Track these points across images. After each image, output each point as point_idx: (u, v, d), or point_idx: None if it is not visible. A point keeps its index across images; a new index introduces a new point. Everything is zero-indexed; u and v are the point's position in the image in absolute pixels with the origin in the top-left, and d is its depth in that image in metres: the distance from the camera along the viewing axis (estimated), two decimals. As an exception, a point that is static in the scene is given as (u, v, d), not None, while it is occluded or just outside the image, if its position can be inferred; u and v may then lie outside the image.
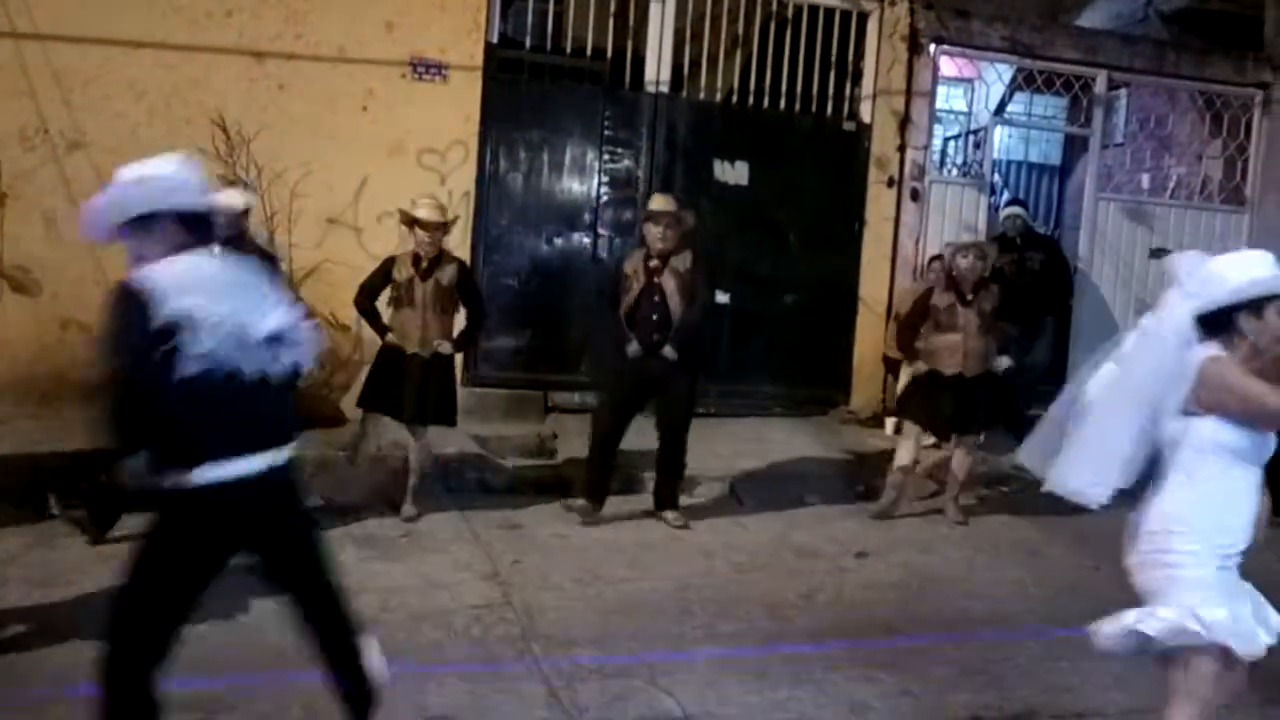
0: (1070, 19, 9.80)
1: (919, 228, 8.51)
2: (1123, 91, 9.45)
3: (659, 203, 5.95)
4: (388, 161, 7.16)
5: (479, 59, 7.37)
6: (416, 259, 5.70)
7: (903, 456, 6.34)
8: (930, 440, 6.65)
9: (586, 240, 7.95)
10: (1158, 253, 9.22)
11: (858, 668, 4.14)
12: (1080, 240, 9.14)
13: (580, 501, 5.94)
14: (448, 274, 5.74)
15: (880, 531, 6.03)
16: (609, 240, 7.95)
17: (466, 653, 4.01)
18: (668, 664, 4.03)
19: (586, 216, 7.93)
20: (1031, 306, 8.37)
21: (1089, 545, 5.42)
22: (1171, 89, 9.54)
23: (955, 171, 9.36)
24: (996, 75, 9.07)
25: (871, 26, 8.31)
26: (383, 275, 5.80)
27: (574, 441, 7.07)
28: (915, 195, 8.46)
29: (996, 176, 10.33)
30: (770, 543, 5.74)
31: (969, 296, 6.13)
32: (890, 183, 8.37)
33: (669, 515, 5.91)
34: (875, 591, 4.95)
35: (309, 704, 3.48)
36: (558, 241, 7.92)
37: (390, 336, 5.74)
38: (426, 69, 7.23)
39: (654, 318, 5.76)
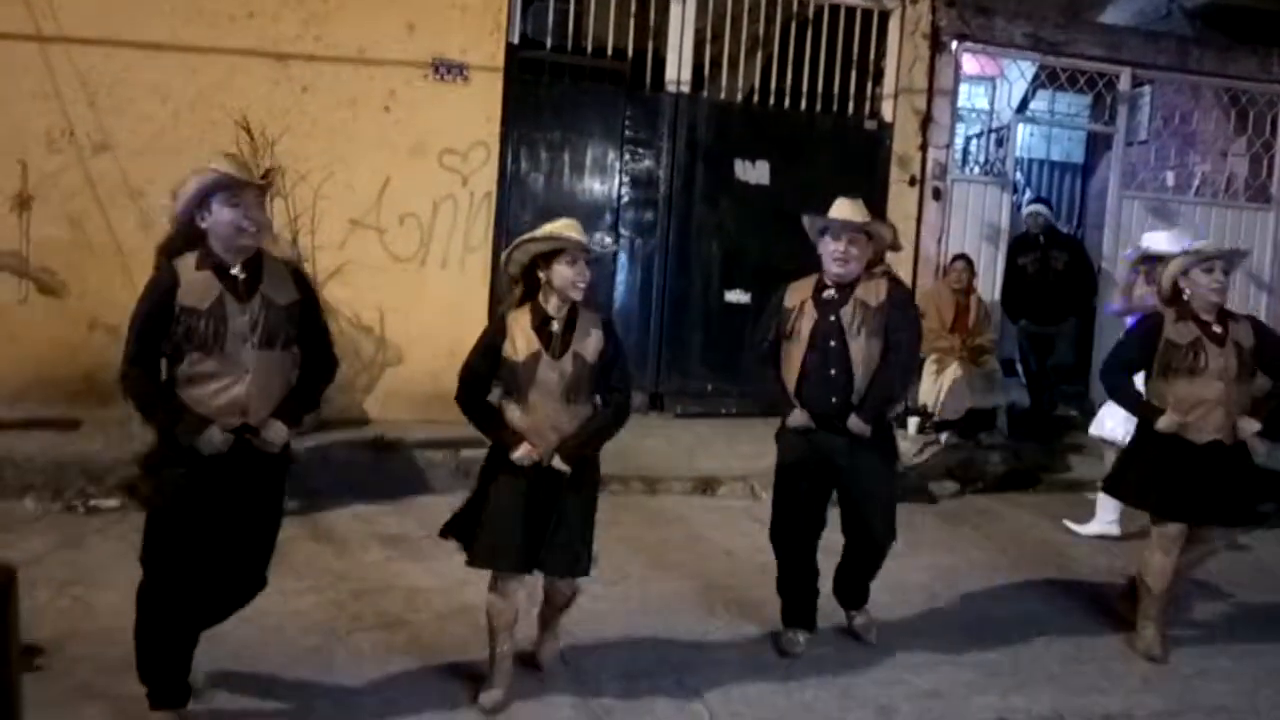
0: (1093, 16, 9.73)
1: (941, 227, 8.49)
2: (1146, 88, 9.38)
3: (842, 209, 4.09)
4: (409, 162, 7.18)
5: (500, 60, 7.37)
6: (544, 320, 3.56)
7: (1161, 570, 4.42)
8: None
9: (608, 240, 7.96)
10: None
11: (883, 669, 4.13)
12: (1104, 239, 9.08)
13: (786, 634, 4.33)
14: (591, 344, 3.59)
15: (904, 532, 5.99)
16: (630, 241, 7.98)
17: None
18: (693, 664, 4.04)
19: (608, 217, 7.94)
20: (1055, 306, 8.37)
21: (1115, 548, 5.38)
22: (1196, 86, 9.47)
23: (978, 170, 9.33)
24: (1019, 73, 9.02)
25: (893, 25, 8.29)
26: (490, 353, 3.59)
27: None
28: (937, 194, 8.44)
29: (1019, 175, 10.28)
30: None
31: (1218, 329, 4.31)
32: (912, 182, 8.34)
33: (852, 615, 4.52)
34: (900, 593, 4.92)
35: (338, 700, 3.51)
36: (579, 242, 7.92)
37: (523, 448, 3.50)
38: (448, 70, 7.25)
39: (832, 373, 4.07)
